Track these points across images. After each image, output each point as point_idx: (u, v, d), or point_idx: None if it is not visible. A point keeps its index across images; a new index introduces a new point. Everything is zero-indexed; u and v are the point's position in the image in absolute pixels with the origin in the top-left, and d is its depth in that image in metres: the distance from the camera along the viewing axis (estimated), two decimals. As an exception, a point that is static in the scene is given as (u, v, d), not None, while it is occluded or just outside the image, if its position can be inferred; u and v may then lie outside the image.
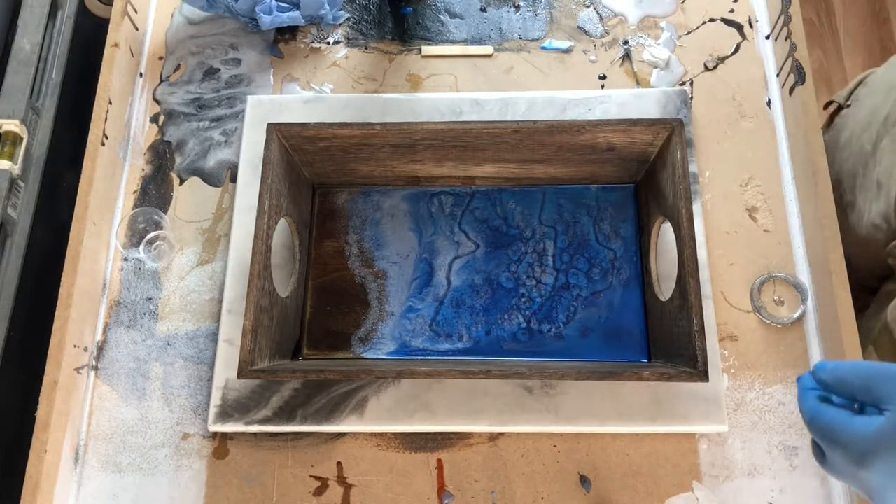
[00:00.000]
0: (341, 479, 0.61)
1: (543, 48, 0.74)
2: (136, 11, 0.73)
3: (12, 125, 0.67)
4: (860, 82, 0.78)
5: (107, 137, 0.67)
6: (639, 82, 0.72)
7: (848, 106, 0.78)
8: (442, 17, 0.76)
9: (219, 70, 0.75)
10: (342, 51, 0.75)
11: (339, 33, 0.76)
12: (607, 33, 0.75)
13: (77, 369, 0.62)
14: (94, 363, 0.65)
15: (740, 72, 0.72)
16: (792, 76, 0.68)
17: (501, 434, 0.61)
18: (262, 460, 0.61)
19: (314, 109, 0.71)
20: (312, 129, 0.60)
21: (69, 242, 0.63)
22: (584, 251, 0.65)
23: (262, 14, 0.71)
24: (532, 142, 0.61)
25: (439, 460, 0.61)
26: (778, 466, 0.60)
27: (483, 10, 0.76)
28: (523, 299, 0.64)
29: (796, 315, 0.63)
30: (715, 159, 0.69)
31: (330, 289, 0.66)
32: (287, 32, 0.76)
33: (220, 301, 0.65)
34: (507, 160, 0.64)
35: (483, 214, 0.67)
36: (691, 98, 0.71)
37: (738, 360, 0.63)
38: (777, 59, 0.72)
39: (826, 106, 0.83)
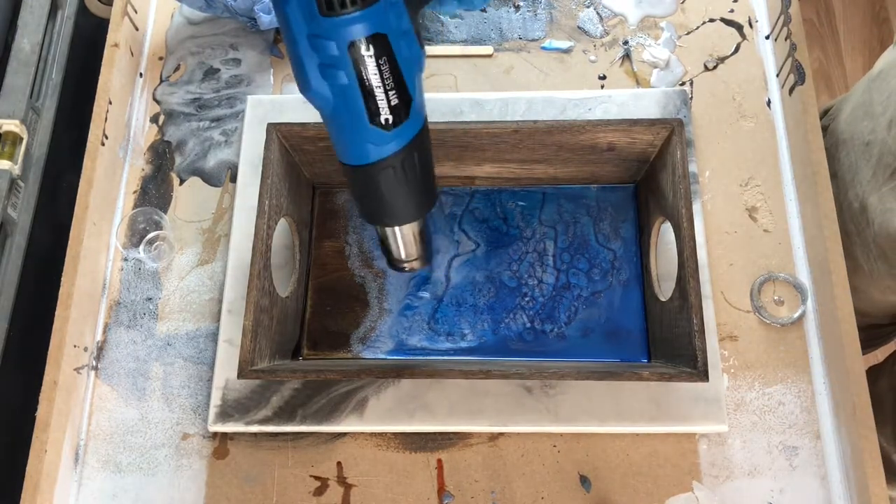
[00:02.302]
0: (341, 479, 0.61)
1: (543, 48, 0.74)
2: (136, 11, 0.73)
3: (12, 125, 0.67)
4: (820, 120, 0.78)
5: (107, 137, 0.67)
6: (639, 82, 0.72)
7: None
8: (442, 17, 0.76)
9: (219, 70, 0.75)
10: (342, 51, 0.75)
11: (339, 33, 0.76)
12: (607, 33, 0.75)
13: (77, 369, 0.62)
14: (94, 363, 0.65)
15: (740, 72, 0.72)
16: (792, 76, 0.68)
17: (501, 434, 0.61)
18: (262, 460, 0.61)
19: (314, 109, 0.70)
20: (312, 129, 0.60)
21: (69, 242, 0.63)
22: (584, 251, 0.65)
23: (261, 14, 0.71)
24: (532, 142, 0.61)
25: (439, 460, 0.61)
26: (778, 466, 0.60)
27: (483, 10, 0.76)
28: (526, 298, 0.64)
29: (796, 315, 0.63)
30: (715, 159, 0.69)
31: (330, 289, 0.66)
32: (287, 32, 0.76)
33: (220, 301, 0.65)
34: (507, 160, 0.64)
35: (483, 214, 0.67)
36: (691, 98, 0.71)
37: (738, 360, 0.63)
38: (777, 59, 0.72)
39: None
